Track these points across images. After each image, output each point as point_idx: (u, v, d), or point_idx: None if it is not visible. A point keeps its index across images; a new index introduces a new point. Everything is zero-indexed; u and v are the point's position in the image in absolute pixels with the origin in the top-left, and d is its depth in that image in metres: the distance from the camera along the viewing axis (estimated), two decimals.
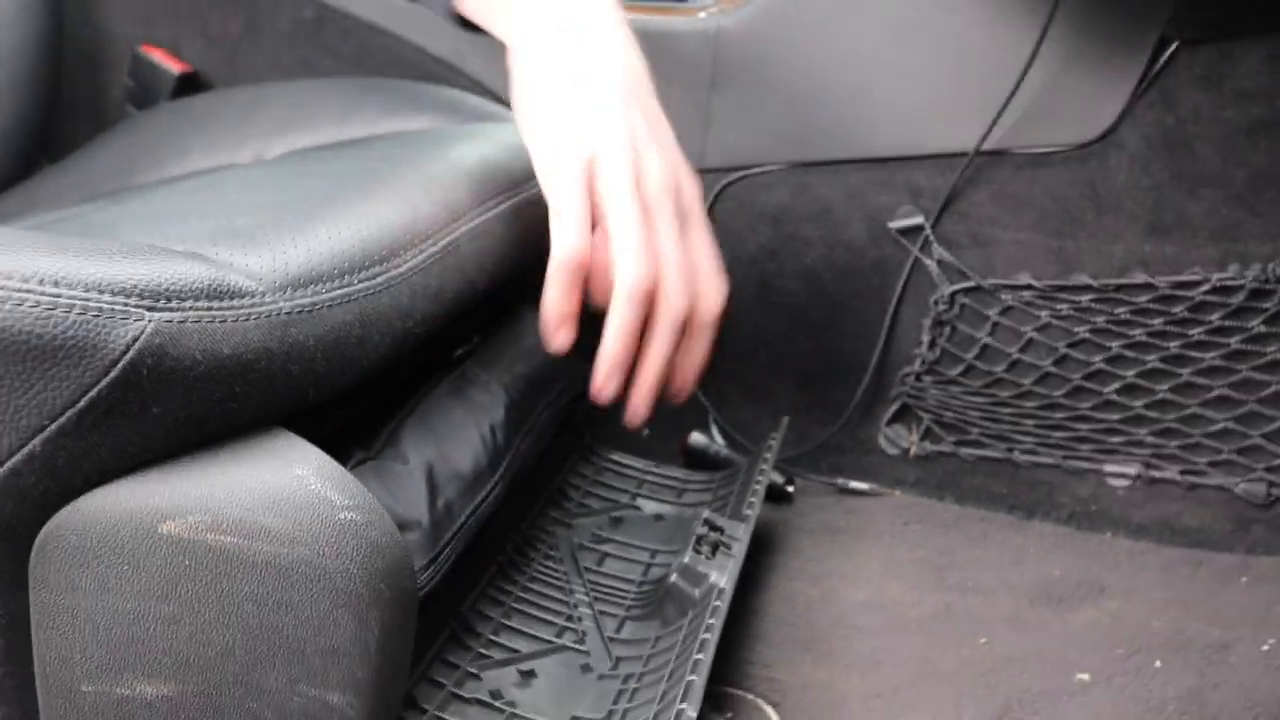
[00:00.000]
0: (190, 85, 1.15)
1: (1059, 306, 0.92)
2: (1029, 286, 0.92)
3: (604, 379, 0.69)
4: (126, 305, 0.44)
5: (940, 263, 0.94)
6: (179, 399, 0.46)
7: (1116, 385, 0.91)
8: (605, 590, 0.75)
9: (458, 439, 0.67)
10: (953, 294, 0.95)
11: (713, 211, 1.00)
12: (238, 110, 1.05)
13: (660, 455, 0.96)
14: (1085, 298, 0.91)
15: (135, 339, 0.44)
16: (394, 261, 0.59)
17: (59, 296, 0.43)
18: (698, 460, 0.99)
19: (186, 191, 0.72)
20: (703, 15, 1.00)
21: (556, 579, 0.75)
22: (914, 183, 0.94)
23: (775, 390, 1.04)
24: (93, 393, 0.44)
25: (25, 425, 0.43)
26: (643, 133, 0.70)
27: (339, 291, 0.54)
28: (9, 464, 0.44)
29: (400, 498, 0.60)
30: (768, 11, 0.96)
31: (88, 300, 0.43)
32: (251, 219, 0.58)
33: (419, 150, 0.76)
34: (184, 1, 1.16)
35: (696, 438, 1.00)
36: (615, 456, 0.93)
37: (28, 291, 0.43)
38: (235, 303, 0.48)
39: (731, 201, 1.00)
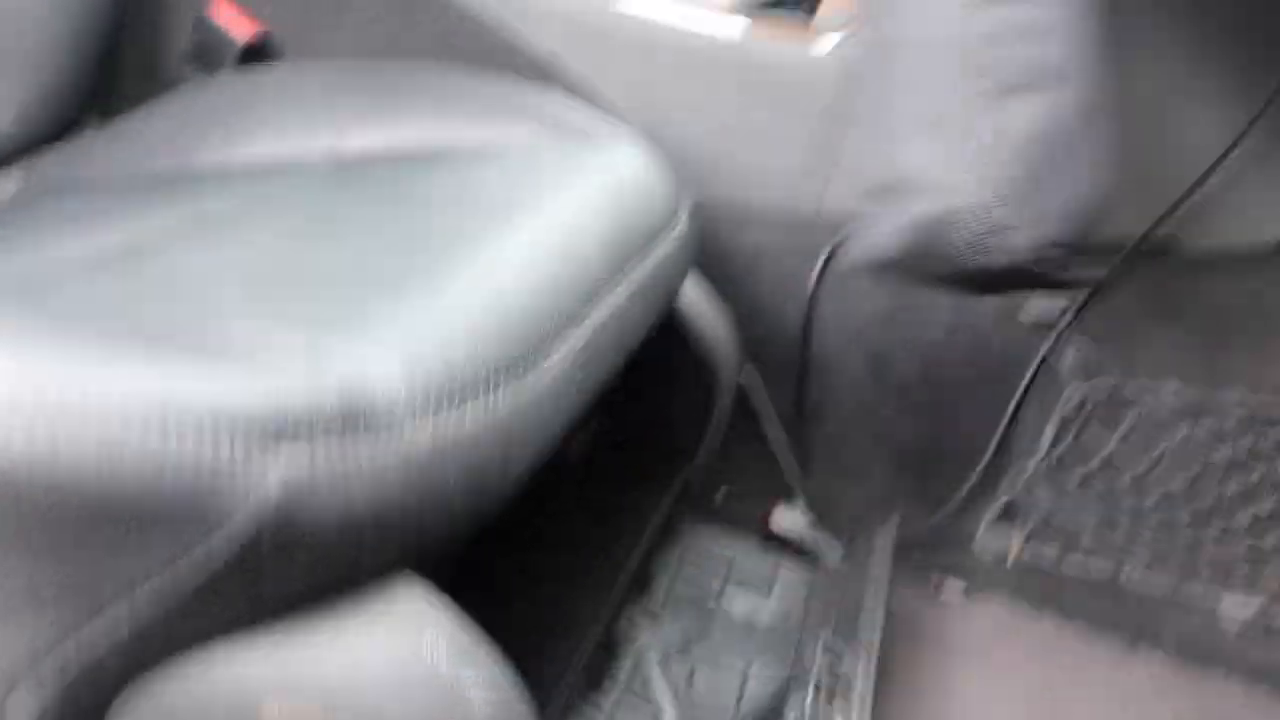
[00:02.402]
0: (258, 53, 1.04)
1: (1201, 423, 0.83)
2: (1174, 396, 0.84)
3: None
4: (248, 453, 0.35)
5: (1077, 356, 0.86)
6: (301, 568, 0.37)
7: (1250, 517, 0.83)
8: (700, 716, 0.67)
9: None
10: (1086, 392, 0.86)
11: (825, 269, 0.90)
12: (315, 90, 0.95)
13: (739, 520, 0.88)
14: (1233, 417, 0.82)
15: (258, 506, 0.35)
16: (539, 360, 0.49)
17: (165, 445, 0.34)
18: (782, 538, 0.90)
19: (269, 224, 0.62)
20: (833, 42, 0.90)
21: (646, 699, 0.67)
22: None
23: (871, 469, 0.95)
24: (199, 569, 0.35)
25: (107, 593, 0.34)
26: None
27: (484, 413, 0.44)
28: (84, 631, 0.35)
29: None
30: None
31: (201, 449, 0.34)
32: (365, 285, 0.49)
33: (539, 188, 0.66)
34: None
35: (783, 517, 0.91)
36: (696, 531, 0.84)
37: (123, 441, 0.33)
38: (372, 437, 0.39)
39: (847, 260, 0.90)
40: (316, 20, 1.06)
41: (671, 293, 0.69)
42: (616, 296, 0.59)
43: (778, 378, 0.95)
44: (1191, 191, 0.79)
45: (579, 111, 0.87)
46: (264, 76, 1.00)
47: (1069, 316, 0.85)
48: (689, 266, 0.74)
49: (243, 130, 0.93)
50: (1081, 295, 0.84)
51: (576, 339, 0.53)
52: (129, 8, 1.06)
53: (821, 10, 0.98)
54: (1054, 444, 0.88)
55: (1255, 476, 0.82)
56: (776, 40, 0.93)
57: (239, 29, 1.04)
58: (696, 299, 0.81)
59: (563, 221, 0.60)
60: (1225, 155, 0.77)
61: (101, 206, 0.79)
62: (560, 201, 0.64)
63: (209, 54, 1.05)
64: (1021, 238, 0.63)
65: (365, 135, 0.89)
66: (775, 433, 0.95)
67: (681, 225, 0.72)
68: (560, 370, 0.50)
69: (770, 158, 0.91)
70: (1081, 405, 0.86)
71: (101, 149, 0.98)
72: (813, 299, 0.91)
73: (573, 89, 0.95)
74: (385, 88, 0.93)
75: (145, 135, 0.98)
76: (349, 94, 0.93)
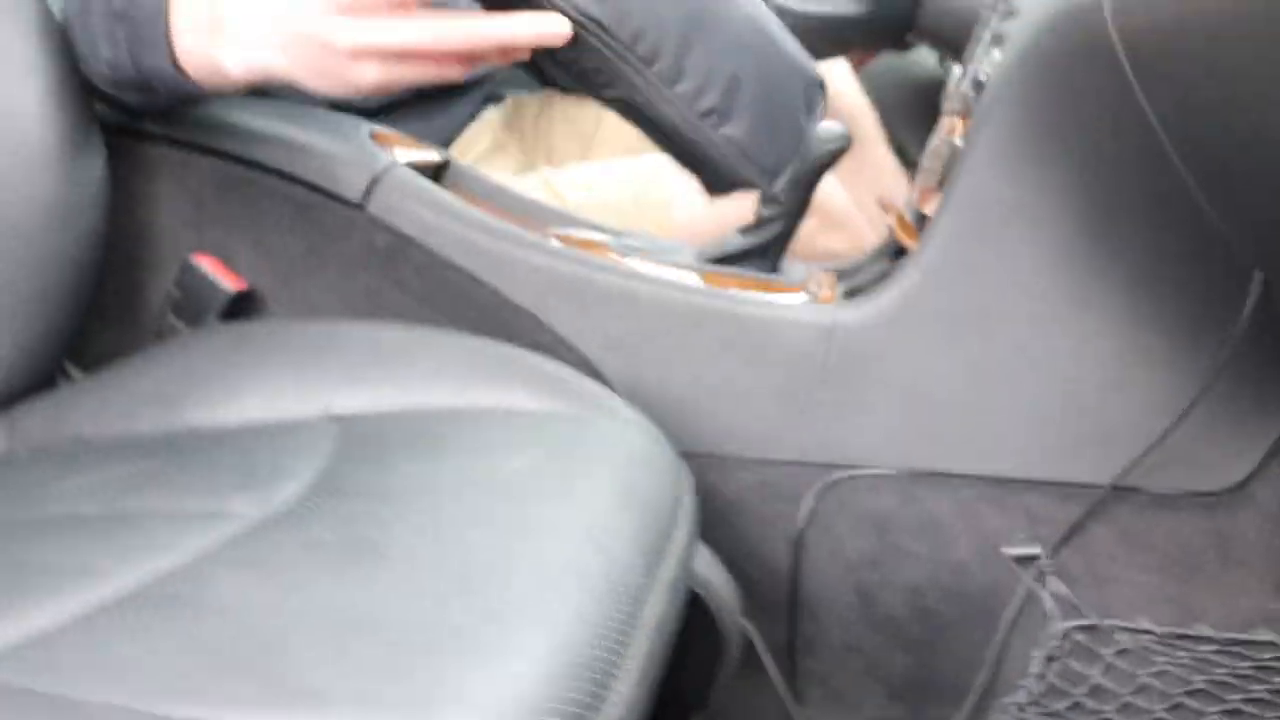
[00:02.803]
0: (244, 305, 1.06)
1: (1178, 655, 0.88)
2: (1148, 632, 0.88)
3: None
4: None
5: (1056, 594, 0.90)
6: None
7: None
8: None
9: None
10: (1067, 630, 0.90)
11: (815, 512, 0.94)
12: (305, 350, 0.96)
13: None
14: (1206, 648, 0.87)
15: None
16: (604, 697, 0.51)
17: None
18: None
19: (302, 540, 0.62)
20: (817, 303, 0.96)
21: None
22: (1032, 508, 0.90)
23: (864, 700, 0.97)
24: None
25: None
26: None
27: None
28: None
29: None
30: (896, 308, 0.91)
31: None
32: (431, 637, 0.51)
33: (563, 489, 0.68)
34: (242, 210, 1.08)
35: None
36: None
37: None
38: None
39: (834, 502, 0.94)
40: (297, 271, 1.08)
41: (690, 577, 0.72)
42: (655, 602, 0.61)
43: (767, 613, 0.97)
44: (1160, 441, 0.85)
45: (569, 375, 0.90)
46: (252, 333, 1.02)
47: (1047, 555, 0.90)
48: (697, 542, 0.77)
49: (232, 390, 0.94)
50: (1058, 535, 0.89)
51: (631, 664, 0.55)
52: (110, 256, 1.07)
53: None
54: (1041, 678, 0.91)
55: (1236, 699, 0.87)
56: (745, 292, 0.98)
57: (227, 278, 1.05)
58: (698, 555, 0.84)
59: (597, 528, 0.63)
60: (1190, 408, 0.84)
61: (110, 493, 0.78)
62: (589, 500, 0.66)
63: (195, 303, 1.06)
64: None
65: (359, 396, 0.91)
66: (768, 667, 0.98)
67: (688, 505, 0.76)
68: (625, 700, 0.53)
69: (748, 406, 0.95)
70: (1064, 638, 0.90)
71: (88, 402, 0.98)
72: (799, 542, 0.94)
73: (551, 346, 0.98)
74: (374, 349, 0.95)
75: (132, 391, 0.98)
76: (339, 354, 0.95)
